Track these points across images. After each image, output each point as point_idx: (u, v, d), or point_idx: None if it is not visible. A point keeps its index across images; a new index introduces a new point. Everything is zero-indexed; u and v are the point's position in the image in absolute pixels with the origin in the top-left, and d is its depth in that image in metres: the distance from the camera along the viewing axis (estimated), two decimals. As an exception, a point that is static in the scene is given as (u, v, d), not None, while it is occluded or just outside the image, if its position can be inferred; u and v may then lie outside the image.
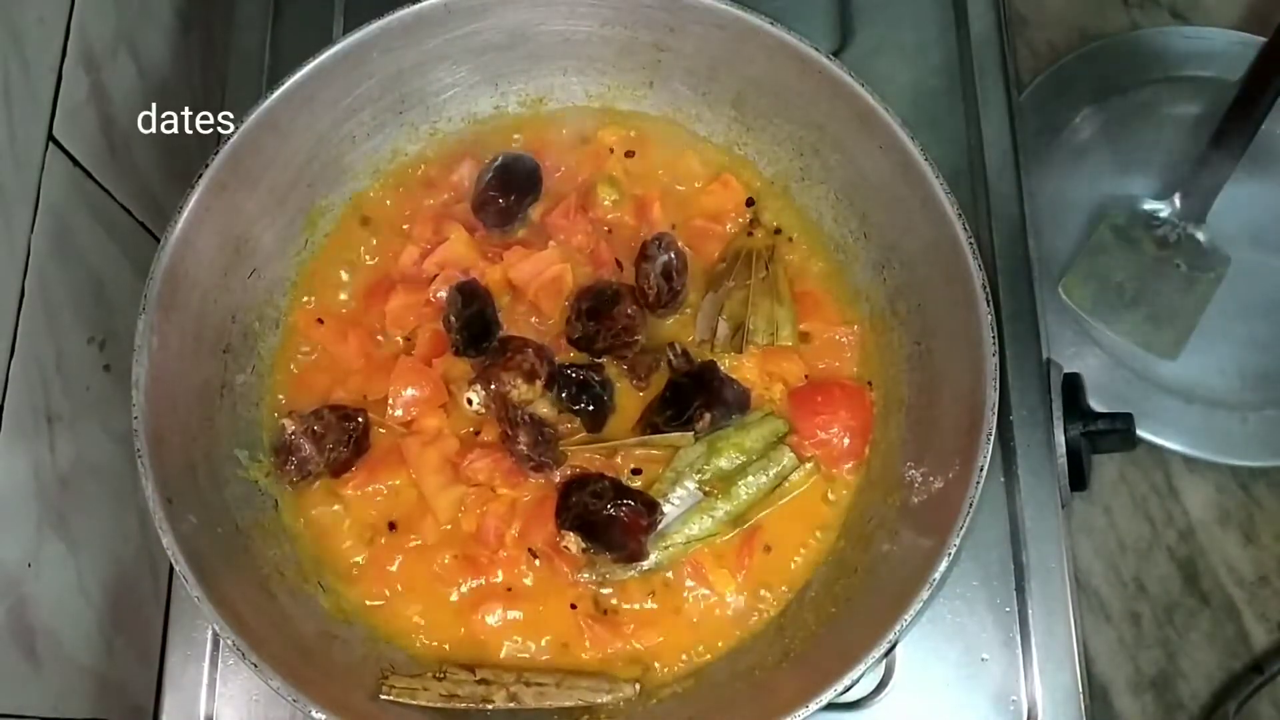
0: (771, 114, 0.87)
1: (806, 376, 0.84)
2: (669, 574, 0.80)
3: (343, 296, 0.87)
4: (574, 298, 0.84)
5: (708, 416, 0.80)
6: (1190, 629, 1.16)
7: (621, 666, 0.78)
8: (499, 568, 0.80)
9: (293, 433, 0.80)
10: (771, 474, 0.81)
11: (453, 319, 0.83)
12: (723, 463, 0.81)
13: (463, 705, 0.75)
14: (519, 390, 0.80)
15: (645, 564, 0.80)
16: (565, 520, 0.78)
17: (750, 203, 0.89)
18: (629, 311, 0.83)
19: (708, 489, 0.81)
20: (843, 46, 1.00)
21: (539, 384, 0.81)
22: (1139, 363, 1.18)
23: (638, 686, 0.77)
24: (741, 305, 0.85)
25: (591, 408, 0.82)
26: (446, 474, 0.80)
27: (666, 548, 0.80)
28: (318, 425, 0.80)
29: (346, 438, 0.81)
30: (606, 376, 0.83)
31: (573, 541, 0.78)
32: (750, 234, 0.89)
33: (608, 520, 0.77)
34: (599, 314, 0.83)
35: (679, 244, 0.85)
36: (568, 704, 0.76)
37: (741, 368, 0.84)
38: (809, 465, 0.82)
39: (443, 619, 0.79)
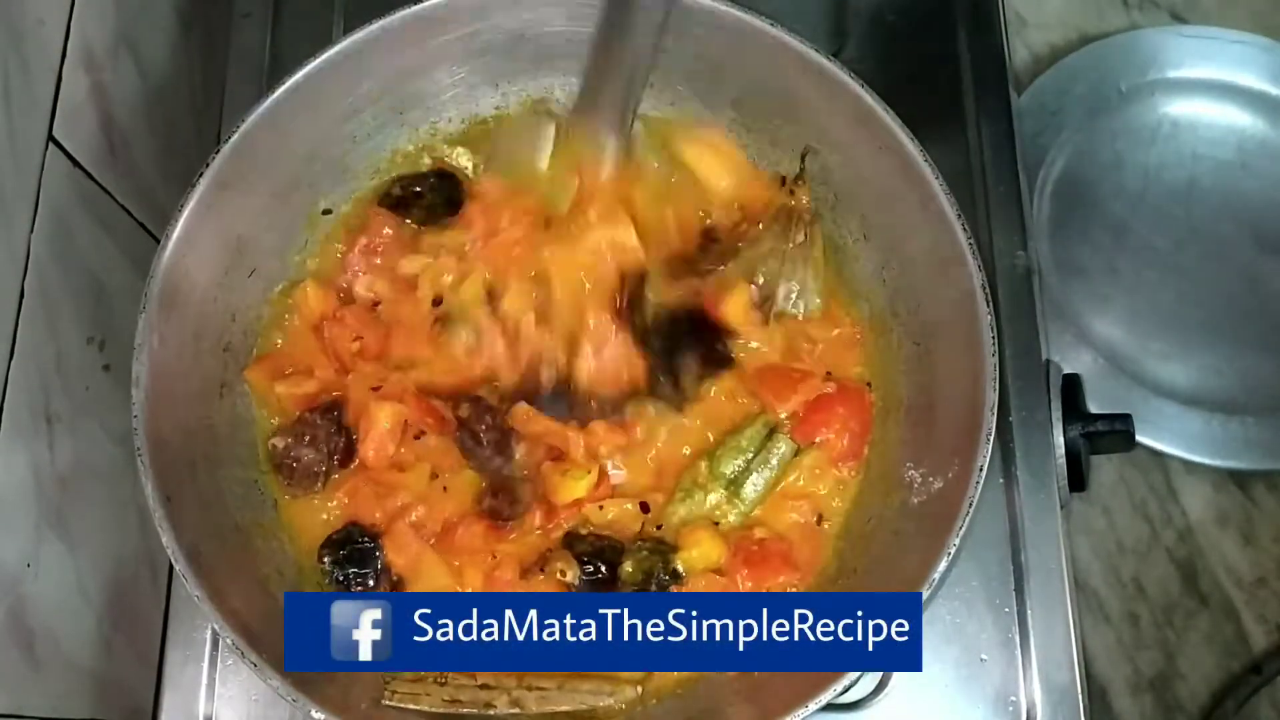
0: (771, 114, 0.87)
1: (829, 373, 0.84)
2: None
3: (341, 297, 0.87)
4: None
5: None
6: (1189, 630, 1.16)
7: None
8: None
9: (285, 448, 0.80)
10: (774, 464, 0.81)
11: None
12: (726, 470, 0.81)
13: (465, 710, 0.75)
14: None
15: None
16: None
17: (804, 155, 0.86)
18: None
19: (717, 502, 0.81)
20: (842, 47, 1.00)
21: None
22: (1137, 366, 1.18)
23: (639, 688, 0.77)
24: (774, 272, 0.84)
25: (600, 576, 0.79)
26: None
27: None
28: (305, 431, 0.80)
29: (335, 427, 0.81)
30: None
31: (571, 573, 0.78)
32: (791, 193, 0.87)
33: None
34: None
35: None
36: (569, 708, 0.76)
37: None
38: (813, 451, 0.82)
39: (442, 619, 0.79)
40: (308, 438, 0.80)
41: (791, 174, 0.88)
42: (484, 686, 0.75)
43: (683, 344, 0.81)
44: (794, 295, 0.84)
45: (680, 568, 0.78)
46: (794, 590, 0.79)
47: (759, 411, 0.83)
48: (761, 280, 0.84)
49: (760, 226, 0.86)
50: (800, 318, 0.84)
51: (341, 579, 0.78)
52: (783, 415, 0.82)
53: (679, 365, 0.81)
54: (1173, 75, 1.29)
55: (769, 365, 0.83)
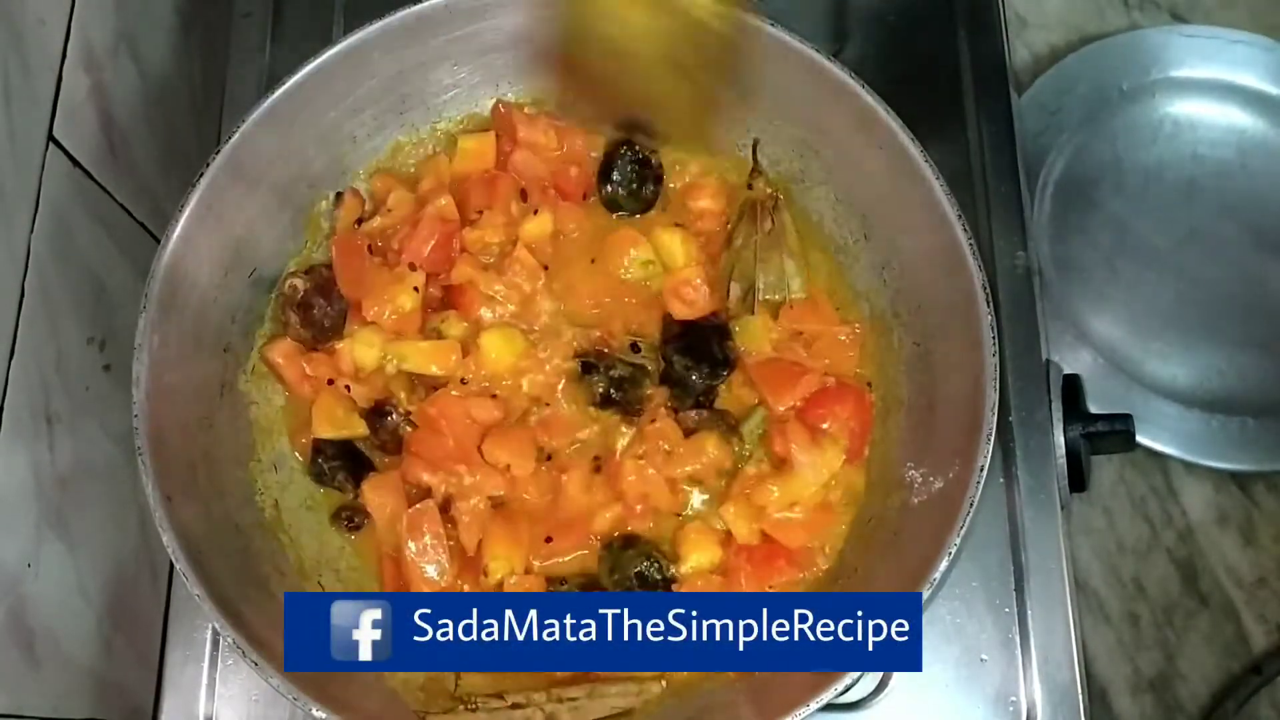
0: (771, 115, 0.87)
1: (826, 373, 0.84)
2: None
3: (342, 296, 0.87)
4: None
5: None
6: (1189, 630, 1.15)
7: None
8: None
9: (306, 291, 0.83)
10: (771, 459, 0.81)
11: None
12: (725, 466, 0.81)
13: None
14: None
15: None
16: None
17: (755, 146, 0.88)
18: None
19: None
20: (842, 48, 1.00)
21: None
22: (1137, 366, 1.18)
23: (664, 683, 0.77)
24: (750, 264, 0.84)
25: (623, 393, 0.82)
26: None
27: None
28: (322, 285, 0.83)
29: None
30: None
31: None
32: (750, 186, 0.88)
33: None
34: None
35: None
36: (603, 714, 0.75)
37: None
38: None
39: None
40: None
41: (792, 174, 0.88)
42: (515, 706, 0.75)
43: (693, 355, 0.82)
44: (773, 281, 0.84)
45: (672, 571, 0.79)
46: (800, 585, 0.80)
47: (755, 403, 0.83)
48: (737, 276, 0.84)
49: (730, 226, 0.87)
50: (786, 302, 0.84)
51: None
52: (781, 410, 0.82)
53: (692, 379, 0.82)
54: (1173, 75, 1.29)
55: (769, 360, 0.84)
